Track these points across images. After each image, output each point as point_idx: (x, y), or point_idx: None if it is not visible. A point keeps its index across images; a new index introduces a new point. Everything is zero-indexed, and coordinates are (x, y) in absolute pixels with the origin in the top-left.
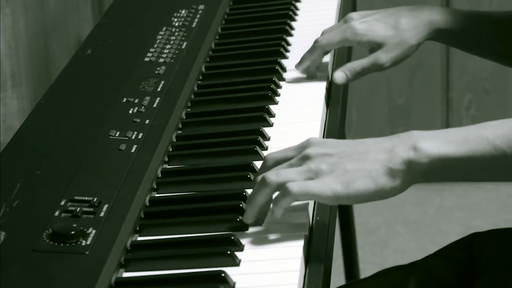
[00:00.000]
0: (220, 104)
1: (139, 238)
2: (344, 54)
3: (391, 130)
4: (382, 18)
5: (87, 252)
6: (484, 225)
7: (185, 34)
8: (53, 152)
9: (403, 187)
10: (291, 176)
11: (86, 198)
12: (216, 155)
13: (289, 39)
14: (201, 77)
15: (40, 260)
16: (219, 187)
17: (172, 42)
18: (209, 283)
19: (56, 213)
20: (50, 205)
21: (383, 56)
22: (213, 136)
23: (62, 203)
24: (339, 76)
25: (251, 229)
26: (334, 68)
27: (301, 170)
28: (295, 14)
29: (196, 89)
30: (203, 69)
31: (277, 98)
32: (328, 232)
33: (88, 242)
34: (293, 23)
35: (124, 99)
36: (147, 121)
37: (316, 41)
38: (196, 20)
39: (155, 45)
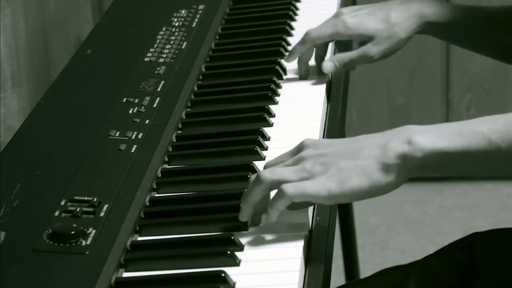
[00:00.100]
0: (220, 104)
1: (139, 238)
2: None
3: None
4: (373, 12)
5: (87, 252)
6: (484, 225)
7: (185, 34)
8: (53, 152)
9: (398, 182)
10: (285, 174)
11: (86, 198)
12: (216, 155)
13: (289, 39)
14: (201, 77)
15: (40, 260)
16: (219, 187)
17: (172, 42)
18: (209, 283)
19: (56, 213)
20: (50, 205)
21: (372, 49)
22: (213, 136)
23: (62, 203)
24: (328, 65)
25: (251, 229)
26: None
27: (296, 169)
28: (295, 14)
29: (196, 89)
30: (203, 69)
31: (277, 98)
32: (328, 232)
33: (88, 242)
34: (293, 23)
35: (124, 99)
36: (147, 121)
37: (306, 33)
38: (196, 20)
39: (155, 45)
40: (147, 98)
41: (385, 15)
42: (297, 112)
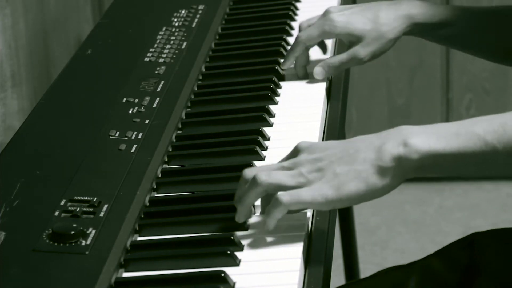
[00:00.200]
0: (220, 104)
1: (139, 238)
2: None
3: None
4: (361, 12)
5: (87, 252)
6: (484, 225)
7: (185, 34)
8: (53, 152)
9: (394, 184)
10: (282, 178)
11: (86, 198)
12: (216, 155)
13: (289, 39)
14: (201, 77)
15: (40, 260)
16: (219, 187)
17: (172, 42)
18: (209, 283)
19: (56, 213)
20: (50, 205)
21: (361, 51)
22: (213, 136)
23: (62, 203)
24: (318, 71)
25: (251, 229)
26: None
27: (292, 173)
28: (295, 14)
29: (196, 89)
30: (203, 69)
31: (277, 98)
32: (328, 232)
33: (88, 242)
34: (293, 23)
35: (124, 99)
36: (147, 121)
37: (297, 37)
38: (196, 20)
39: (155, 45)
40: (147, 98)
41: (373, 15)
42: (297, 112)
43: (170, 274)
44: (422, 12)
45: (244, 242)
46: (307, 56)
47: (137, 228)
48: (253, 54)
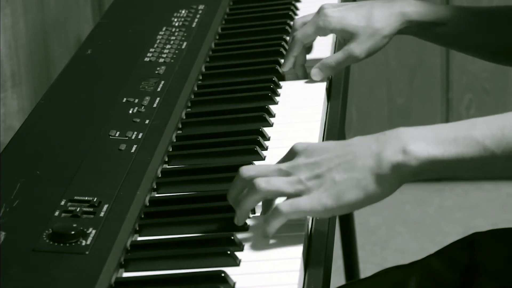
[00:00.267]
0: (220, 104)
1: (139, 238)
2: None
3: None
4: (355, 8)
5: (87, 252)
6: (484, 225)
7: (185, 34)
8: (53, 152)
9: (393, 189)
10: (281, 185)
11: (86, 198)
12: (216, 155)
13: (289, 39)
14: (201, 77)
15: (40, 260)
16: (219, 187)
17: (172, 42)
18: (209, 283)
19: (56, 213)
20: (50, 205)
21: (356, 48)
22: (213, 136)
23: (62, 203)
24: (315, 72)
25: (251, 229)
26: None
27: (291, 180)
28: (295, 14)
29: (196, 89)
30: (203, 69)
31: (277, 98)
32: (328, 232)
33: (88, 242)
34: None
35: (124, 99)
36: (147, 121)
37: (293, 37)
38: (196, 20)
39: (155, 45)
40: (147, 98)
41: (367, 12)
42: (297, 112)
43: (170, 274)
44: (416, 10)
45: (244, 242)
46: (305, 54)
47: (137, 228)
48: (253, 54)
